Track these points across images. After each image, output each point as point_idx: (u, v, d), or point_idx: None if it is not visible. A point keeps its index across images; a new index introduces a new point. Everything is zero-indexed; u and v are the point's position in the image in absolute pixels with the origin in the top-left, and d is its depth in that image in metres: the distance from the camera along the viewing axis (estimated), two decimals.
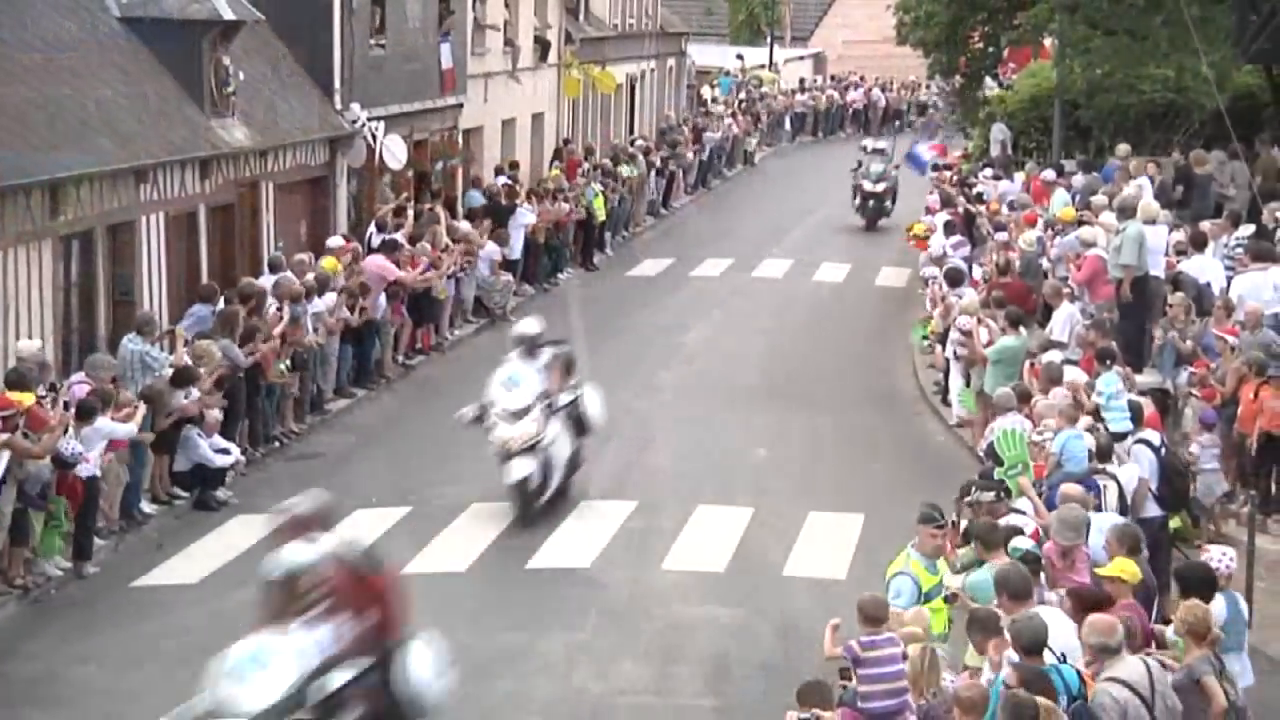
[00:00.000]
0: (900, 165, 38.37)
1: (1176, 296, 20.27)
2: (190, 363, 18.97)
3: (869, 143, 41.87)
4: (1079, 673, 10.39)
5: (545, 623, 15.66)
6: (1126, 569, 11.72)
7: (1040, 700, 9.65)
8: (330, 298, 22.48)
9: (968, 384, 21.85)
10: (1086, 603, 11.06)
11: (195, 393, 18.75)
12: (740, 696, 14.16)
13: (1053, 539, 12.88)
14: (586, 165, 36.49)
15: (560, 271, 33.07)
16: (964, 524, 13.71)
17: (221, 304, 20.80)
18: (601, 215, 35.02)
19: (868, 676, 11.10)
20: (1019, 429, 15.97)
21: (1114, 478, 14.83)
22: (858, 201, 39.89)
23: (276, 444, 21.32)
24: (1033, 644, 10.33)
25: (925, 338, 25.26)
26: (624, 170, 37.78)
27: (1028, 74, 37.22)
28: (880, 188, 39.60)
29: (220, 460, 19.11)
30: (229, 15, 23.08)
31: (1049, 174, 28.00)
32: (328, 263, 23.48)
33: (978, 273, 25.37)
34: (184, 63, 22.80)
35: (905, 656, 11.06)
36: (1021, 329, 20.54)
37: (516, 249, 30.44)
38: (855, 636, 11.31)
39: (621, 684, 14.40)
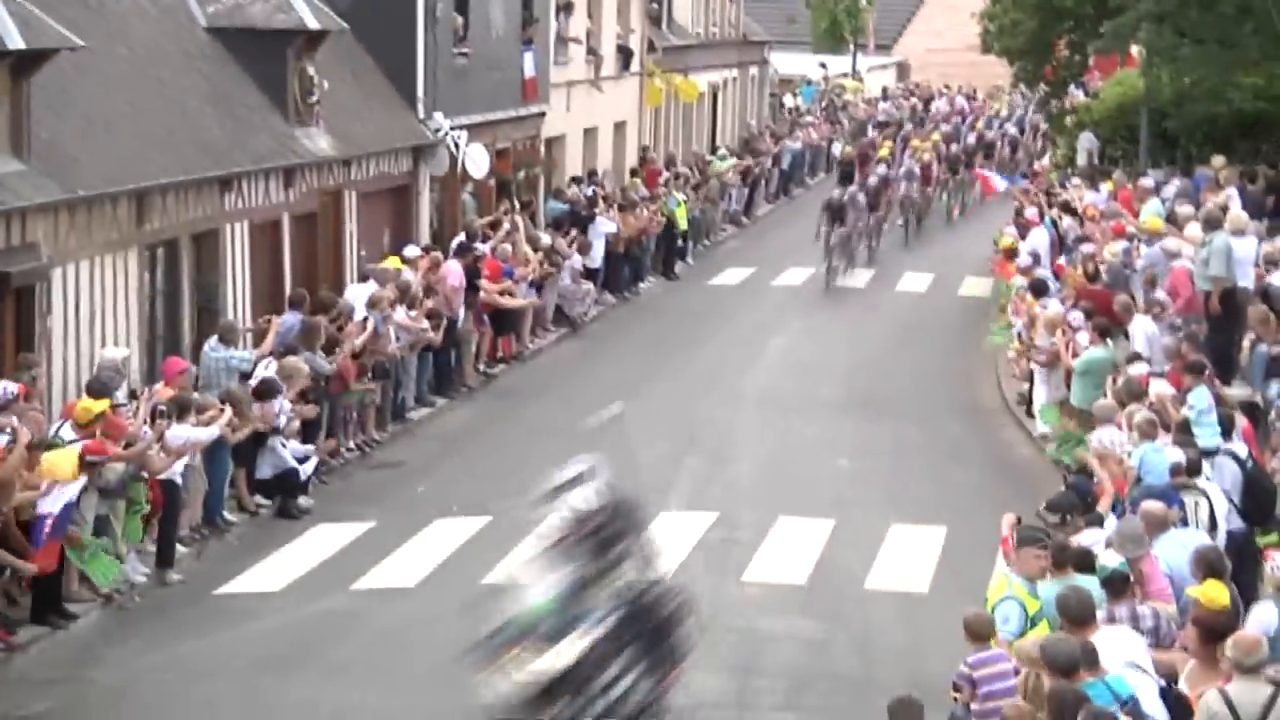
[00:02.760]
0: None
1: (1257, 309, 19.98)
2: (276, 376, 19.03)
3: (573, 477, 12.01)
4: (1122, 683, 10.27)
5: None
6: (1208, 593, 11.55)
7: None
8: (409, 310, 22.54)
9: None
10: (1211, 628, 10.80)
11: (285, 404, 18.84)
12: (820, 711, 14.04)
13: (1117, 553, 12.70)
14: (668, 174, 36.49)
15: (641, 280, 33.05)
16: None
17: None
18: (683, 224, 34.97)
19: (986, 694, 10.97)
20: None
21: (1205, 494, 14.60)
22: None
23: (358, 452, 21.39)
24: (1067, 665, 10.21)
25: (1003, 335, 25.01)
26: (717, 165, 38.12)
27: (1114, 82, 36.85)
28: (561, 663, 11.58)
29: (305, 469, 19.19)
30: (314, 25, 23.21)
31: (1148, 181, 27.71)
32: (391, 262, 23.55)
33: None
34: (269, 72, 22.96)
35: (1016, 671, 10.96)
36: (1109, 340, 20.31)
37: (597, 258, 30.47)
38: (964, 657, 11.20)
39: (701, 696, 14.24)
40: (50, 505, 14.81)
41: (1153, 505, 13.55)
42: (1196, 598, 11.49)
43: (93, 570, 15.74)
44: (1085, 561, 12.48)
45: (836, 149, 50.82)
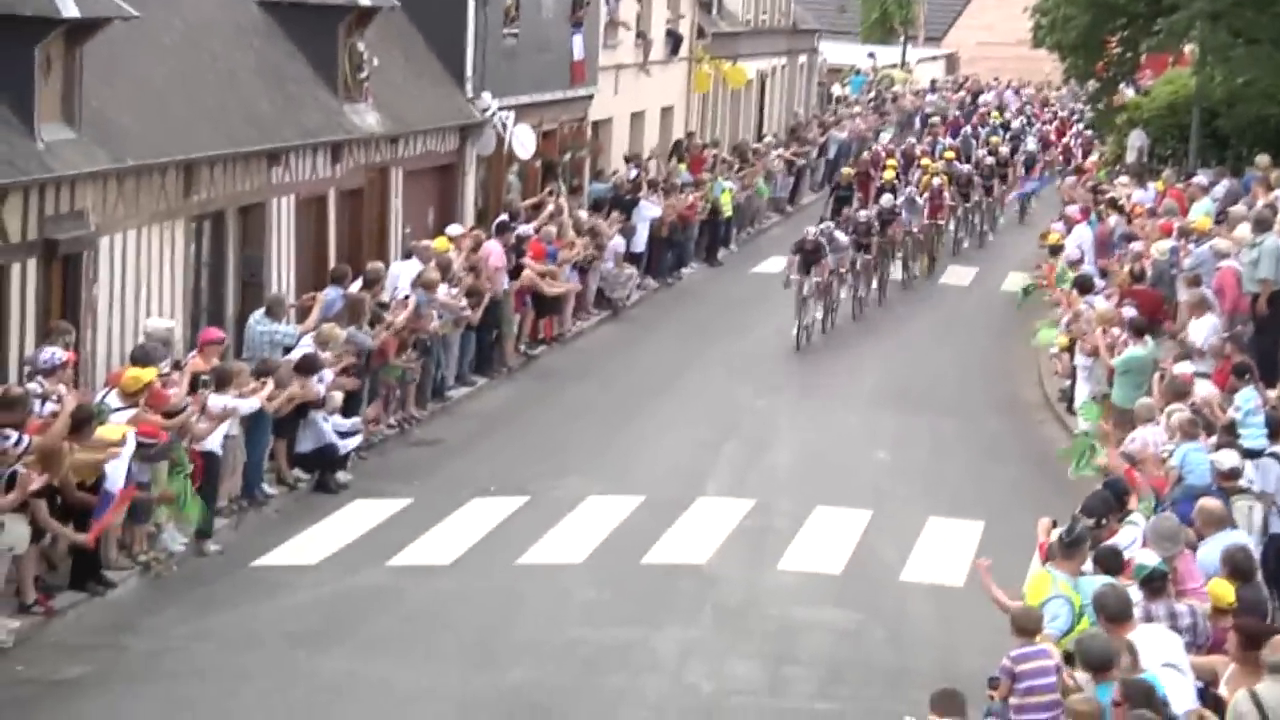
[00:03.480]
0: None
1: None
2: (315, 349, 19.06)
3: None
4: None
5: (659, 619, 15.59)
6: (1214, 590, 11.61)
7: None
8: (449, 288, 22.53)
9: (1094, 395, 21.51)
10: (1251, 636, 10.77)
11: (328, 374, 18.88)
12: (853, 701, 14.02)
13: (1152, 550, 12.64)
14: (711, 158, 36.41)
15: (684, 266, 33.02)
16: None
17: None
18: (728, 211, 34.92)
19: (1025, 689, 10.96)
20: None
21: (1259, 499, 14.48)
22: None
23: (397, 429, 21.44)
24: (1100, 662, 10.28)
25: (1051, 333, 24.86)
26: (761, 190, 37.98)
27: (1165, 80, 36.67)
28: None
29: (346, 444, 19.21)
30: (366, 1, 23.22)
31: (1202, 179, 27.51)
32: (439, 243, 23.55)
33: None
34: (320, 47, 22.98)
35: (1059, 669, 10.94)
36: (1148, 339, 20.18)
37: (641, 242, 30.44)
38: (1006, 651, 11.18)
39: (733, 684, 14.31)
40: (116, 476, 14.89)
41: (1210, 502, 13.47)
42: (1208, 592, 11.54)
43: (188, 511, 16.24)
44: (1113, 563, 12.43)
45: (883, 139, 50.34)
